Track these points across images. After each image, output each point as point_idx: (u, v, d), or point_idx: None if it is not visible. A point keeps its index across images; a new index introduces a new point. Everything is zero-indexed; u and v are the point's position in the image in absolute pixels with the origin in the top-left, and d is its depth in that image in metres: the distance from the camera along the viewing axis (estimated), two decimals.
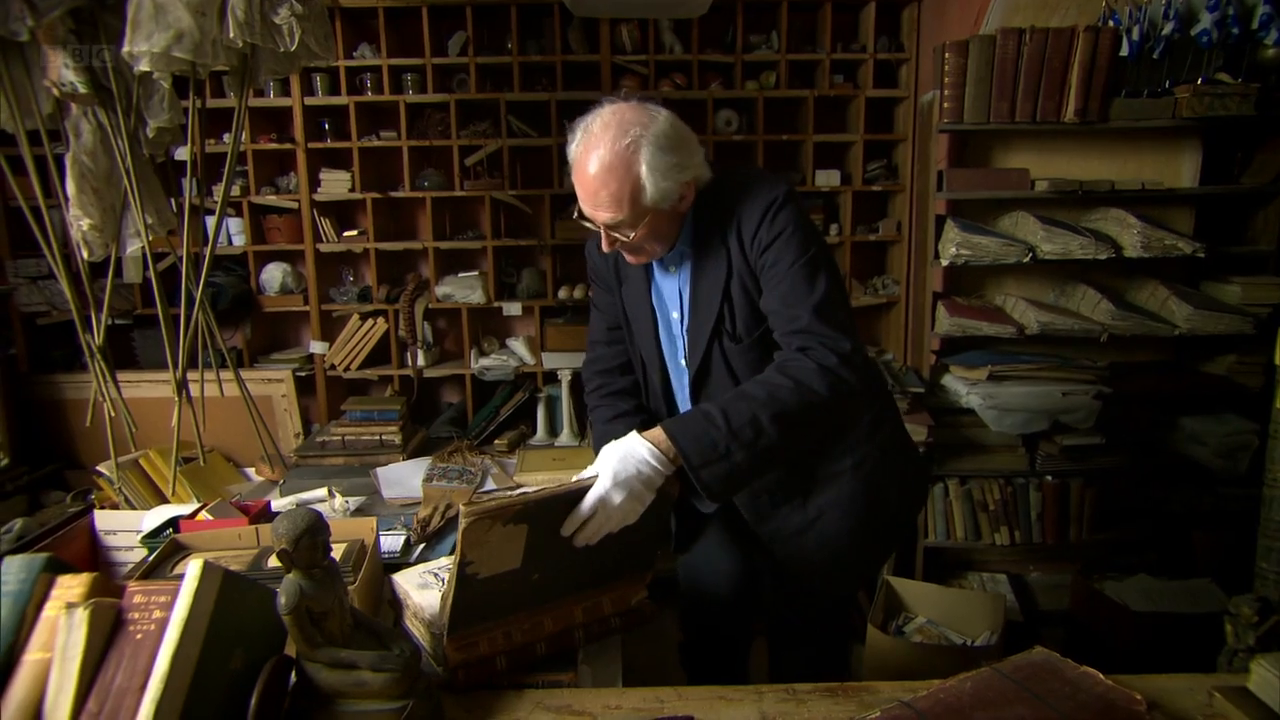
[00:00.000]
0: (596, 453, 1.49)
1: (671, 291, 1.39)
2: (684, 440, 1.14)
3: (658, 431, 1.16)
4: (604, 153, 1.21)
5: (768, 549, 1.47)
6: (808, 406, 1.15)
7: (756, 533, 1.45)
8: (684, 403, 1.45)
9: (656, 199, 1.24)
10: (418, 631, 1.28)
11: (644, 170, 1.22)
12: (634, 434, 1.15)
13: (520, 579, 1.15)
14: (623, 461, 1.12)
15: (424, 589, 1.31)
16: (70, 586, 1.01)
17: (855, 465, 1.39)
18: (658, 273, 1.42)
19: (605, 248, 1.32)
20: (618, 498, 1.11)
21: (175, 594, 0.98)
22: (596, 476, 1.14)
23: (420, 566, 1.40)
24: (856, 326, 1.26)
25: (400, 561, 1.60)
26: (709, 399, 1.37)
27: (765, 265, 1.27)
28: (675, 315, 1.39)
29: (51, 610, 0.98)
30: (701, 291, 1.33)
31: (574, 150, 1.27)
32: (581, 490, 1.13)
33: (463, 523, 1.05)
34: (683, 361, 1.40)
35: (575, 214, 1.33)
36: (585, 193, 1.26)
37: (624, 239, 1.29)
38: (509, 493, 1.15)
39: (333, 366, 3.26)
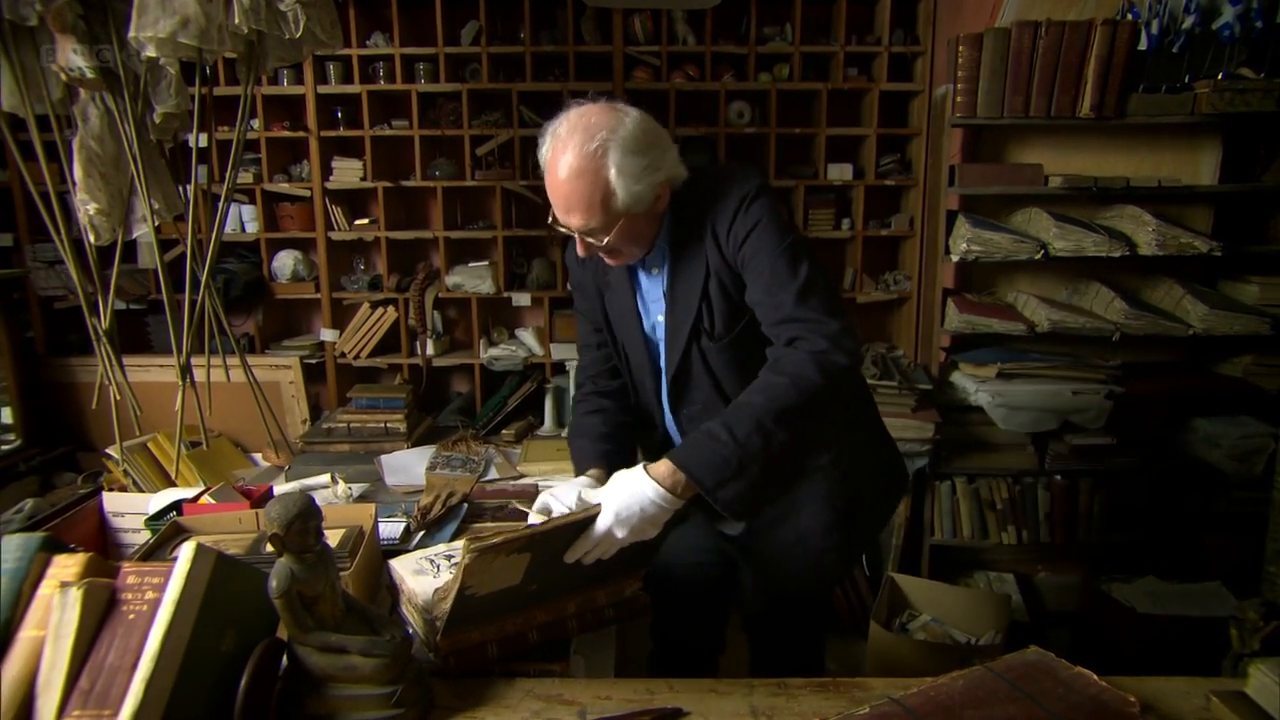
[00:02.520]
0: (570, 443, 1.47)
1: (655, 294, 1.37)
2: (693, 466, 1.12)
3: (664, 465, 1.13)
4: (571, 158, 1.18)
5: (743, 542, 1.47)
6: (808, 397, 1.13)
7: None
8: (667, 404, 1.44)
9: (629, 203, 1.21)
10: (412, 617, 1.28)
11: (613, 174, 1.19)
12: (640, 470, 1.13)
13: (518, 590, 1.16)
14: (628, 500, 1.11)
15: (419, 574, 1.31)
16: (66, 566, 1.02)
17: (833, 460, 1.38)
18: (642, 275, 1.39)
19: (581, 253, 1.29)
20: (620, 533, 1.11)
21: (168, 575, 0.99)
22: (600, 506, 1.13)
23: (417, 553, 1.40)
24: (844, 306, 1.23)
25: (399, 548, 1.60)
26: (688, 400, 1.36)
27: (745, 259, 1.24)
28: (661, 318, 1.36)
29: (47, 589, 0.99)
30: (680, 291, 1.30)
31: (543, 155, 1.24)
32: (586, 521, 1.13)
33: (466, 559, 1.05)
34: (662, 363, 1.38)
35: (550, 219, 1.29)
36: (556, 198, 1.23)
37: (598, 244, 1.26)
38: (514, 525, 1.15)
39: (343, 354, 3.28)
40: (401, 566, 1.38)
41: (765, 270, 1.21)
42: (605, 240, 1.25)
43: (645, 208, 1.24)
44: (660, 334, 1.38)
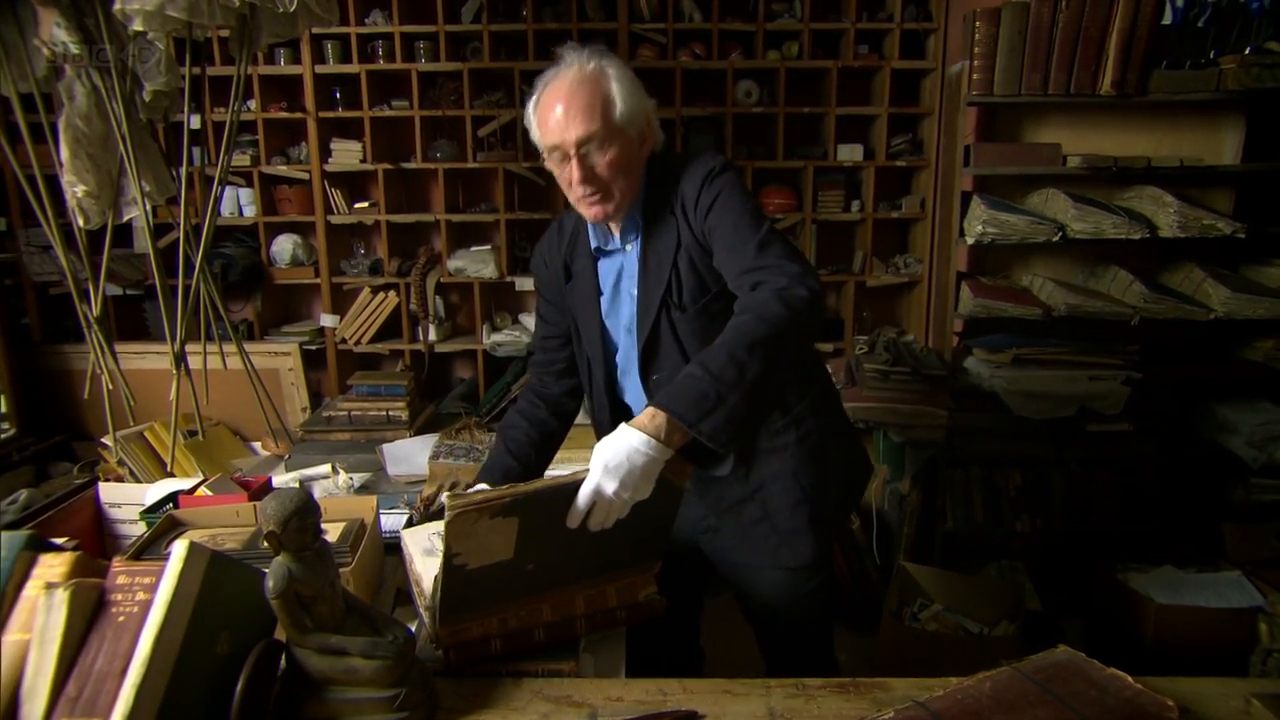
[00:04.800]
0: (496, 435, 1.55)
1: (630, 270, 1.43)
2: (673, 403, 1.11)
3: (645, 412, 1.13)
4: (573, 73, 1.27)
5: (712, 525, 1.49)
6: (775, 328, 1.15)
7: (701, 501, 1.47)
8: (632, 386, 1.47)
9: (625, 117, 1.29)
10: (420, 600, 1.23)
11: (613, 85, 1.28)
12: (623, 425, 1.12)
13: (514, 569, 1.11)
14: (613, 452, 1.09)
15: (429, 555, 1.25)
16: (52, 565, 0.98)
17: (799, 440, 1.41)
18: (603, 261, 1.46)
19: (577, 176, 1.30)
20: (609, 488, 1.08)
21: (160, 575, 0.95)
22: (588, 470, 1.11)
23: (430, 526, 1.34)
24: (805, 257, 1.30)
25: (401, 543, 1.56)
26: (658, 369, 1.40)
27: (710, 228, 1.31)
28: (634, 292, 1.42)
29: (32, 590, 0.95)
30: (651, 264, 1.37)
31: (535, 100, 1.31)
32: (575, 484, 1.09)
33: (447, 515, 1.01)
34: (633, 334, 1.44)
35: (543, 161, 1.36)
36: (554, 117, 1.28)
37: (596, 162, 1.29)
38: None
39: (343, 340, 3.24)
40: (412, 542, 1.31)
41: (728, 232, 1.28)
42: (608, 158, 1.29)
43: (637, 132, 1.32)
44: (619, 318, 1.45)
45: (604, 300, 1.46)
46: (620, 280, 1.44)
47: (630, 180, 1.34)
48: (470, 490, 1.18)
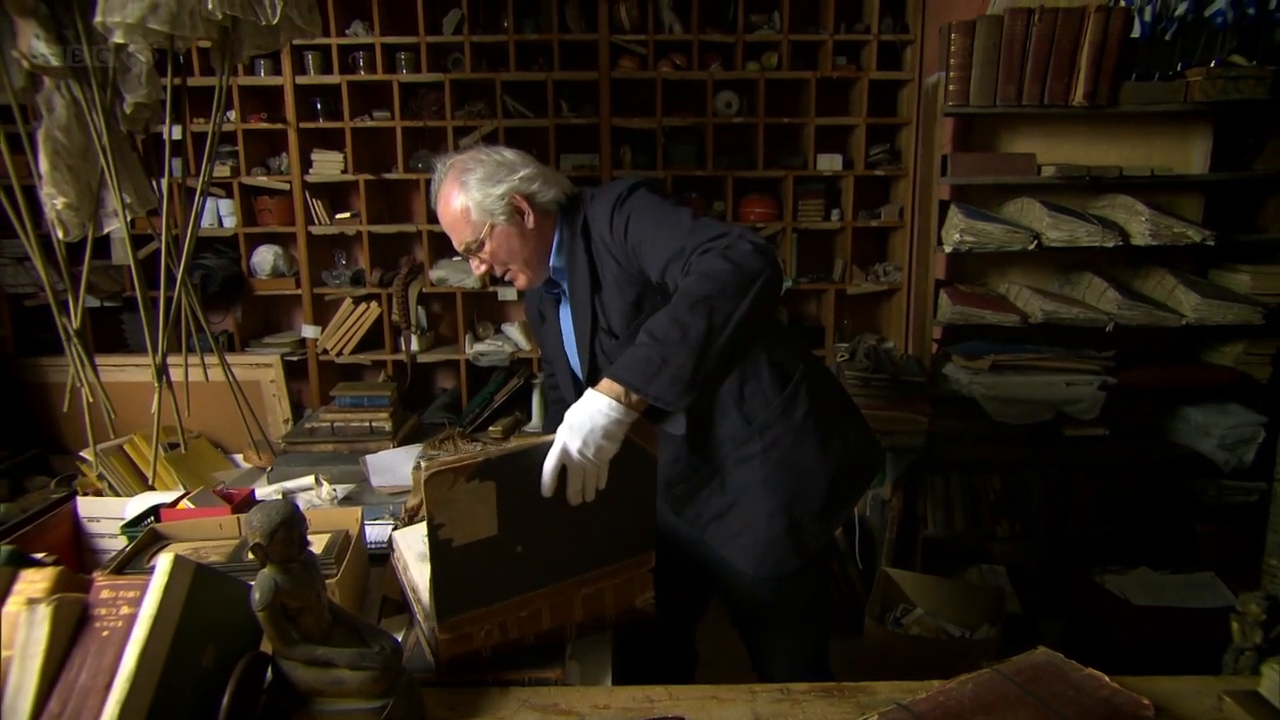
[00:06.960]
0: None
1: (575, 312, 1.49)
2: (623, 371, 1.14)
3: (605, 380, 1.16)
4: (441, 189, 1.44)
5: (693, 537, 1.51)
6: (718, 282, 1.16)
7: (681, 517, 1.49)
8: None
9: (484, 211, 1.40)
10: (418, 610, 1.22)
11: (458, 194, 1.41)
12: (589, 390, 1.16)
13: (502, 550, 1.11)
14: (579, 412, 1.13)
15: (424, 561, 1.21)
16: (34, 581, 0.96)
17: (765, 449, 1.42)
18: (562, 304, 1.54)
19: (475, 271, 1.49)
20: (574, 445, 1.10)
21: (144, 589, 0.94)
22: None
23: (422, 528, 1.32)
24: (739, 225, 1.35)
25: (387, 553, 1.55)
26: None
27: (634, 246, 1.33)
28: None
29: (13, 605, 0.94)
30: (578, 300, 1.45)
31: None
32: (546, 446, 1.11)
33: (423, 478, 1.02)
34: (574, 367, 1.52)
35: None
36: (444, 229, 1.47)
37: (483, 260, 1.45)
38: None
39: (325, 351, 3.22)
40: (405, 545, 1.30)
41: (653, 239, 1.30)
42: (487, 252, 1.43)
43: (507, 215, 1.41)
44: (573, 353, 1.52)
45: (564, 339, 1.55)
46: (567, 319, 1.52)
47: (527, 252, 1.45)
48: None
